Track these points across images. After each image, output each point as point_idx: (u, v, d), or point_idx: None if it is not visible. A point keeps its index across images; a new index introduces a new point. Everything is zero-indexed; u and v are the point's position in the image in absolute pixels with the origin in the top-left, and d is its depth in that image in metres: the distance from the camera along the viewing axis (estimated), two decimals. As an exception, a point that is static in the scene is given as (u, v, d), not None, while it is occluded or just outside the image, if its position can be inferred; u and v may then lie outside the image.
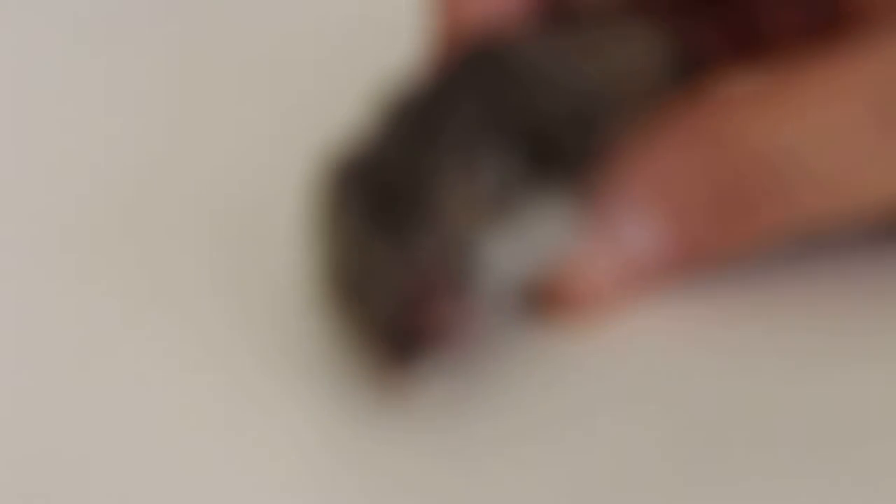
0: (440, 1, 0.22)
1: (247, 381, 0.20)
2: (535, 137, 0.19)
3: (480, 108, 0.19)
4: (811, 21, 0.23)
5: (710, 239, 0.20)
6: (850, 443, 0.18)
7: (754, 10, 0.24)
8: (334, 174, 0.20)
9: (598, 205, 0.20)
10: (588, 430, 0.18)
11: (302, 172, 0.20)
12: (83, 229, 0.24)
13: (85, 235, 0.23)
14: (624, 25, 0.23)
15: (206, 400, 0.20)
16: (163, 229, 0.24)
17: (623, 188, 0.20)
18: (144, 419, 0.19)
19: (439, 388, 0.19)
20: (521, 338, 0.20)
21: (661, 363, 0.20)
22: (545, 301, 0.20)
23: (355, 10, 0.28)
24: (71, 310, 0.22)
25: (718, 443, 0.18)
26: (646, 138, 0.20)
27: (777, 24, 0.24)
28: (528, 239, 0.19)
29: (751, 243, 0.20)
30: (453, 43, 0.21)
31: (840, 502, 0.17)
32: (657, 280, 0.20)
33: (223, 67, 0.29)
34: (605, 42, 0.22)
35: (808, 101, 0.19)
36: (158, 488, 0.18)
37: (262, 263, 0.22)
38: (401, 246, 0.19)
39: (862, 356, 0.20)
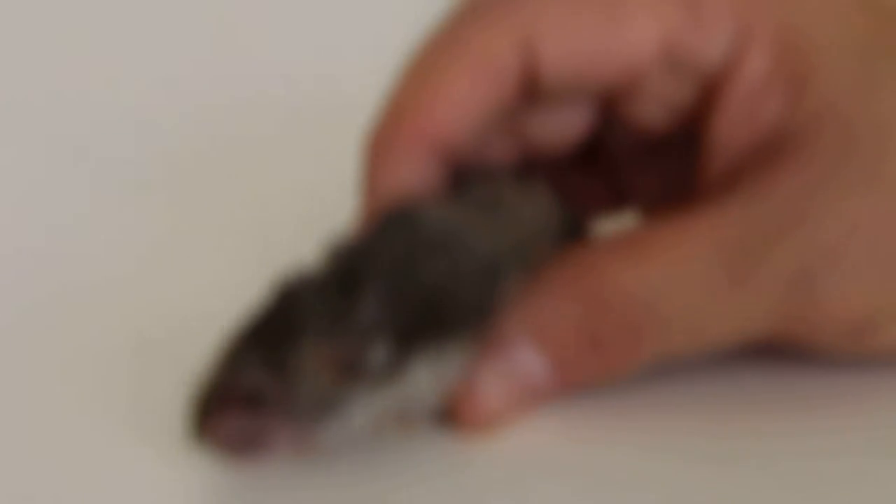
0: (363, 177, 0.25)
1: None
2: (425, 306, 0.22)
3: (384, 281, 0.22)
4: (666, 181, 0.27)
5: (582, 370, 0.24)
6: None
7: (618, 177, 0.28)
8: (271, 289, 0.22)
9: (493, 343, 0.23)
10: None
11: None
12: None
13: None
14: (520, 187, 0.26)
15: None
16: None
17: (514, 330, 0.24)
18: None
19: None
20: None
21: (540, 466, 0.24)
22: (452, 418, 0.24)
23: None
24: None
25: None
26: (534, 290, 0.24)
27: (638, 187, 0.28)
28: (401, 391, 0.22)
29: (617, 374, 0.24)
30: (375, 208, 0.25)
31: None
32: (540, 401, 0.24)
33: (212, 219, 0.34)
34: (509, 201, 0.25)
35: (661, 251, 0.23)
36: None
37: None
38: (245, 358, 0.21)
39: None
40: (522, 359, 0.24)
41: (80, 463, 0.24)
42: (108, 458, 0.24)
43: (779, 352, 0.25)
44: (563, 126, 0.26)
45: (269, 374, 0.21)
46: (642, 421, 0.24)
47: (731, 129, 0.24)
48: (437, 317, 0.22)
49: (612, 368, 0.24)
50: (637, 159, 0.28)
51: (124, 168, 0.37)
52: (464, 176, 0.26)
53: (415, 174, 0.25)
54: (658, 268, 0.23)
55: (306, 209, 0.29)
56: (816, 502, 0.22)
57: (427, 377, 0.23)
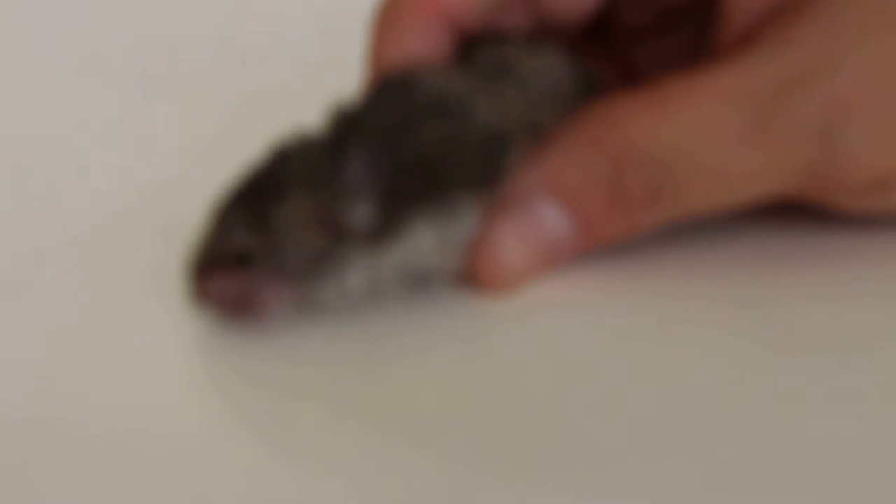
0: (369, 47, 0.26)
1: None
2: (417, 167, 0.23)
3: (376, 142, 0.23)
4: (680, 53, 0.27)
5: (605, 228, 0.24)
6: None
7: (630, 51, 0.29)
8: (267, 154, 0.23)
9: (511, 203, 0.24)
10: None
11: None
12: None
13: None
14: (534, 49, 0.26)
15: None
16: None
17: (534, 189, 0.24)
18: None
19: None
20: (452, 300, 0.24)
21: (560, 325, 0.24)
22: (470, 278, 0.24)
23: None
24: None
25: (596, 388, 0.22)
26: (552, 147, 0.24)
27: (652, 56, 0.28)
28: (397, 252, 0.23)
29: (640, 231, 0.24)
30: (378, 75, 0.25)
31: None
32: (561, 260, 0.25)
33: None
34: (518, 64, 0.25)
35: (683, 105, 0.23)
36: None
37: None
38: (232, 220, 0.23)
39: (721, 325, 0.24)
40: (546, 216, 0.24)
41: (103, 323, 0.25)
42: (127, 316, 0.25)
43: (799, 211, 0.26)
44: None
45: (255, 234, 0.22)
46: (665, 280, 0.25)
47: None
48: (433, 180, 0.23)
49: (634, 225, 0.24)
50: (649, 32, 0.28)
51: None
52: (473, 43, 0.26)
53: (421, 44, 0.25)
54: (677, 121, 0.23)
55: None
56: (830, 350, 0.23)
57: (427, 239, 0.23)
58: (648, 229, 0.24)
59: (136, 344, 0.24)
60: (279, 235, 0.22)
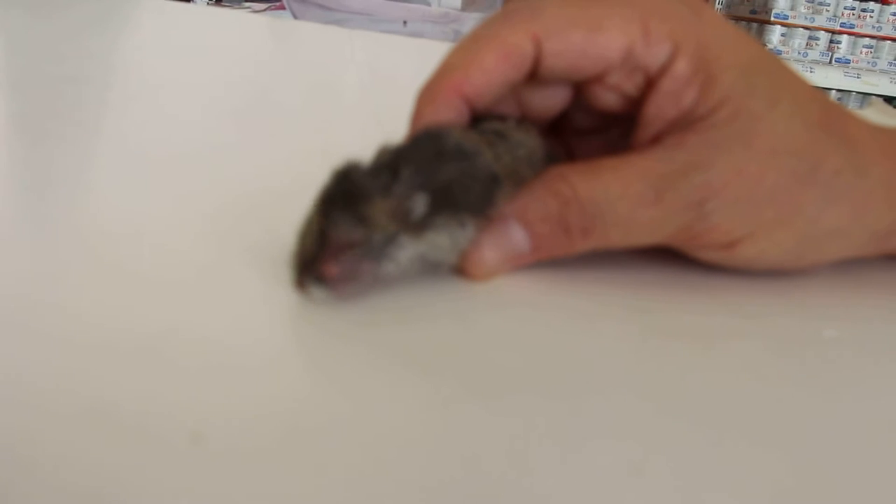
0: (413, 113, 0.35)
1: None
2: (446, 189, 0.31)
3: (417, 169, 0.30)
4: (608, 147, 0.38)
5: (551, 248, 0.34)
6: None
7: (574, 141, 0.40)
8: (333, 173, 0.30)
9: (494, 224, 0.34)
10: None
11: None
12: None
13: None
14: (521, 126, 0.35)
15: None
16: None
17: (508, 217, 0.34)
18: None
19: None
20: (445, 284, 0.34)
21: (520, 309, 0.33)
22: (461, 271, 0.34)
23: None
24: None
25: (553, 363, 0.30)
26: (524, 192, 0.34)
27: (588, 147, 0.39)
28: (429, 244, 0.31)
29: (573, 252, 0.34)
30: (418, 127, 0.34)
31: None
32: (520, 265, 0.35)
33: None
34: (511, 133, 0.35)
35: (611, 175, 0.33)
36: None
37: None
38: (333, 220, 0.29)
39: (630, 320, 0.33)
40: (513, 233, 0.34)
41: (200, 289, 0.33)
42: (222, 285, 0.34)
43: (673, 255, 0.36)
44: (549, 101, 0.37)
45: (356, 227, 0.30)
46: (582, 286, 0.35)
47: (661, 109, 0.34)
48: (452, 200, 0.31)
49: (571, 249, 0.34)
50: (590, 130, 0.39)
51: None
52: (481, 117, 0.36)
53: (448, 114, 0.34)
54: (605, 184, 0.33)
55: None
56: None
57: (446, 238, 0.32)
58: (579, 253, 0.34)
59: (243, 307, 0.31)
60: (372, 225, 0.29)
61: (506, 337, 0.31)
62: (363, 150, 0.32)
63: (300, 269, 0.30)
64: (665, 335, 0.32)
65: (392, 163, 0.31)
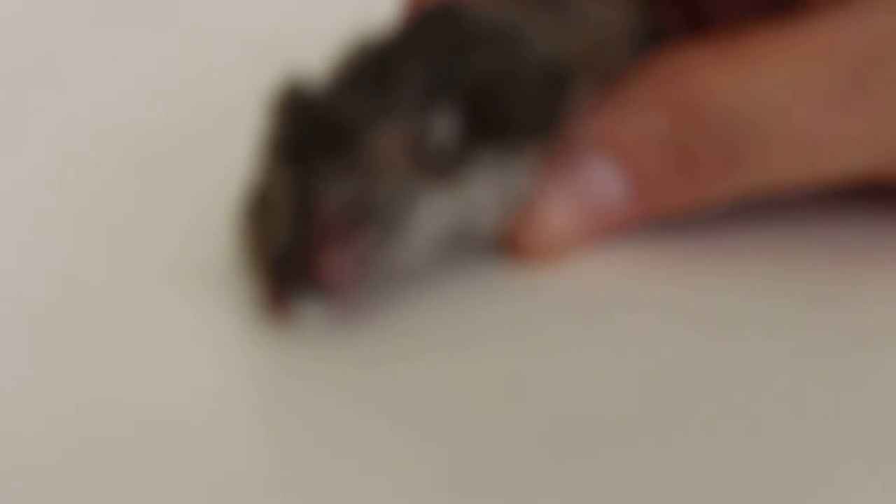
0: None
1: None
2: (481, 97, 0.20)
3: (429, 66, 0.20)
4: (759, 5, 0.25)
5: (667, 193, 0.21)
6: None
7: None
8: (281, 104, 0.20)
9: (563, 159, 0.21)
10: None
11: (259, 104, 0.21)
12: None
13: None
14: None
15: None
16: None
17: (588, 145, 0.21)
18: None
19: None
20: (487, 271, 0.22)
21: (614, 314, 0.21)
22: (511, 245, 0.22)
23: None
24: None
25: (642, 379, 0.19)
26: (611, 99, 0.21)
27: (728, 6, 0.26)
28: (463, 198, 0.20)
29: (707, 202, 0.21)
30: (419, 6, 0.22)
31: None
32: (615, 229, 0.22)
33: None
34: (579, 2, 0.23)
35: (772, 60, 0.21)
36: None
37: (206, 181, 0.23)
38: (315, 179, 0.19)
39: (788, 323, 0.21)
40: (598, 176, 0.21)
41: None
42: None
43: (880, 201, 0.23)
44: None
45: (358, 182, 0.19)
46: (725, 263, 0.22)
47: None
48: (491, 121, 0.20)
49: (702, 195, 0.21)
50: None
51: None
52: None
53: None
54: (763, 77, 0.21)
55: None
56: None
57: (486, 186, 0.20)
58: (721, 202, 0.22)
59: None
60: (385, 175, 0.19)
61: (591, 367, 0.20)
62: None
63: (274, 277, 0.20)
64: (846, 349, 0.20)
65: (380, 65, 0.20)
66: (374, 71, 0.20)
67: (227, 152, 0.23)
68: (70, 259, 0.23)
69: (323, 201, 0.19)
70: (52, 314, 0.21)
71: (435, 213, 0.20)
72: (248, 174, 0.21)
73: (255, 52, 0.29)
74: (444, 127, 0.20)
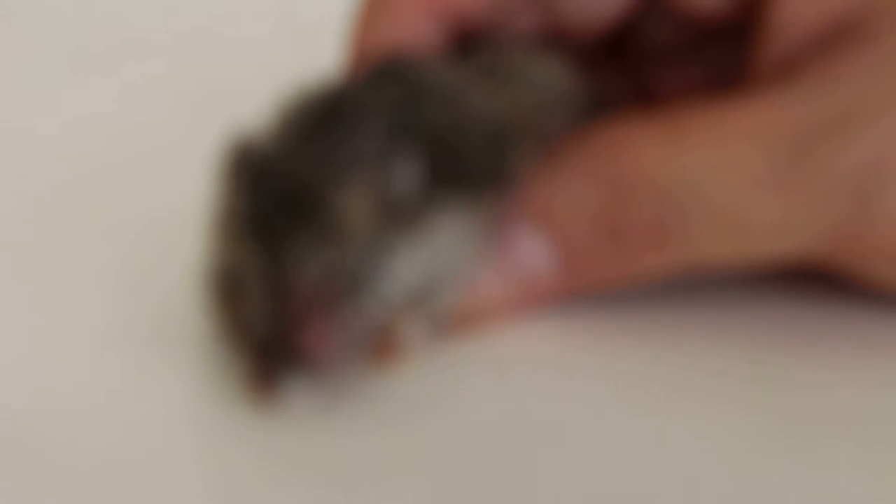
0: (355, 27, 0.22)
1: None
2: (437, 146, 0.19)
3: (387, 116, 0.19)
4: (706, 79, 0.24)
5: (595, 269, 0.21)
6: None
7: (648, 72, 0.26)
8: (234, 169, 0.19)
9: (500, 229, 0.21)
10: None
11: (206, 165, 0.20)
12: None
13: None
14: (538, 56, 0.23)
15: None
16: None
17: (519, 214, 0.21)
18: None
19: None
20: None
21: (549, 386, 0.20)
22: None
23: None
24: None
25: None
26: (546, 168, 0.21)
27: (674, 79, 0.25)
28: (432, 251, 0.19)
29: (634, 278, 0.21)
30: (363, 59, 0.22)
31: None
32: (543, 302, 0.21)
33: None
34: (520, 68, 0.22)
35: (703, 138, 0.20)
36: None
37: (162, 258, 0.23)
38: (287, 252, 0.18)
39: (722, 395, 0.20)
40: (526, 250, 0.21)
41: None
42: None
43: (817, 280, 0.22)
44: (599, 4, 0.23)
45: (329, 248, 0.18)
46: (651, 336, 0.22)
47: (797, 11, 0.21)
48: (449, 169, 0.19)
49: (630, 270, 0.21)
50: (672, 53, 0.25)
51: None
52: (471, 44, 0.23)
53: (413, 32, 0.22)
54: (691, 153, 0.20)
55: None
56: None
57: (454, 233, 0.19)
58: (647, 277, 0.21)
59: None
60: (354, 233, 0.18)
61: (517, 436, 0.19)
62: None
63: (258, 361, 0.18)
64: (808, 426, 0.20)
65: (333, 116, 0.19)
66: (326, 122, 0.19)
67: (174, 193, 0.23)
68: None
69: (299, 276, 0.18)
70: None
71: (409, 264, 0.19)
72: (208, 251, 0.20)
73: (197, 99, 0.28)
74: (407, 173, 0.19)
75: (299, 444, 0.19)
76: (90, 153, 0.28)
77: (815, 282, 0.22)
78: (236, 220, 0.18)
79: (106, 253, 0.23)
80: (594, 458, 0.19)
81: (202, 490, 0.18)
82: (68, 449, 0.18)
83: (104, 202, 0.25)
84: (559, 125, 0.22)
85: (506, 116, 0.21)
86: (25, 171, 0.27)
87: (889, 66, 0.20)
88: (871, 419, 0.20)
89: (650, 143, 0.20)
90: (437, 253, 0.19)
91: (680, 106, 0.21)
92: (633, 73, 0.26)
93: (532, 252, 0.21)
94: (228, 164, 0.19)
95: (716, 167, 0.20)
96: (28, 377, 0.20)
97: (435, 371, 0.20)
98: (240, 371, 0.19)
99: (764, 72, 0.21)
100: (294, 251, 0.18)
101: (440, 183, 0.19)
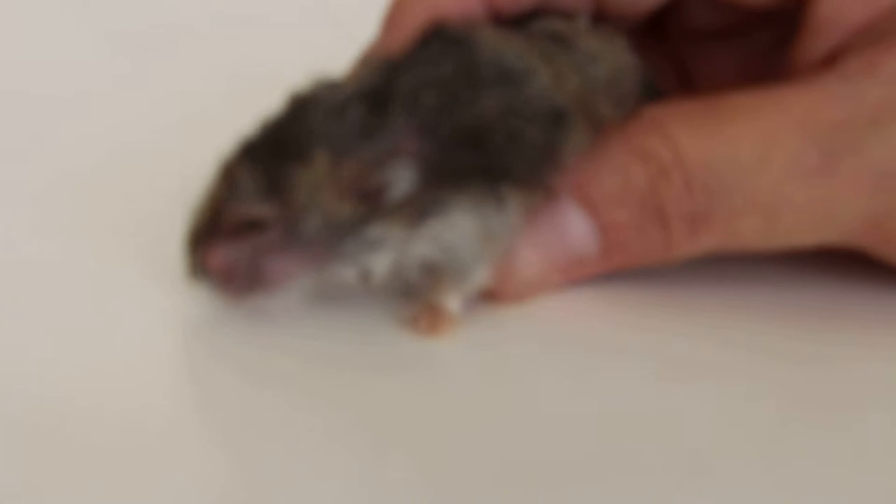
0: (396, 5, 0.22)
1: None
2: (468, 138, 0.20)
3: (421, 102, 0.19)
4: (746, 64, 0.25)
5: (635, 250, 0.21)
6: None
7: (689, 57, 0.26)
8: (288, 103, 0.20)
9: (542, 208, 0.21)
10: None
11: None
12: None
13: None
14: (600, 32, 0.23)
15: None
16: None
17: (565, 196, 0.21)
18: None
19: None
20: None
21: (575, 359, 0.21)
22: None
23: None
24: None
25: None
26: (597, 149, 0.21)
27: (713, 63, 0.25)
28: (431, 237, 0.20)
29: (674, 257, 0.21)
30: (402, 28, 0.22)
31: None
32: (584, 276, 0.22)
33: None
34: (583, 46, 0.22)
35: (747, 126, 0.20)
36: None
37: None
38: (243, 182, 0.19)
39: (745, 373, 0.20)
40: (570, 225, 0.21)
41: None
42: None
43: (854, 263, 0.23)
44: None
45: (269, 201, 0.19)
46: (693, 312, 0.22)
47: (846, 3, 0.21)
48: (482, 157, 0.20)
49: (669, 249, 0.21)
50: (714, 35, 0.25)
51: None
52: (530, 13, 0.23)
53: (459, 9, 0.22)
54: (733, 142, 0.20)
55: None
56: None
57: (466, 227, 0.20)
58: (683, 258, 0.21)
59: (125, 327, 0.21)
60: (299, 203, 0.19)
61: (541, 419, 0.19)
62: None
63: (189, 250, 0.20)
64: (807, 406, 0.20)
65: (380, 90, 0.20)
66: (368, 96, 0.20)
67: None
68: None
69: (233, 204, 0.19)
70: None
71: (386, 248, 0.20)
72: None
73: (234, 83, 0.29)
74: (404, 179, 0.19)
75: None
76: (128, 131, 0.29)
77: (847, 262, 0.23)
78: (243, 142, 0.20)
79: (140, 232, 0.24)
80: (624, 430, 0.19)
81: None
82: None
83: (138, 181, 0.27)
84: (620, 104, 0.22)
85: (566, 96, 0.21)
86: (67, 145, 0.29)
87: None
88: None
89: (692, 131, 0.21)
90: (440, 243, 0.20)
91: (725, 93, 0.21)
92: (674, 55, 0.26)
93: (579, 231, 0.21)
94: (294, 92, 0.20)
95: (758, 156, 0.20)
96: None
97: (478, 340, 0.21)
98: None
99: (807, 63, 0.21)
100: (238, 183, 0.19)
101: (458, 178, 0.20)
